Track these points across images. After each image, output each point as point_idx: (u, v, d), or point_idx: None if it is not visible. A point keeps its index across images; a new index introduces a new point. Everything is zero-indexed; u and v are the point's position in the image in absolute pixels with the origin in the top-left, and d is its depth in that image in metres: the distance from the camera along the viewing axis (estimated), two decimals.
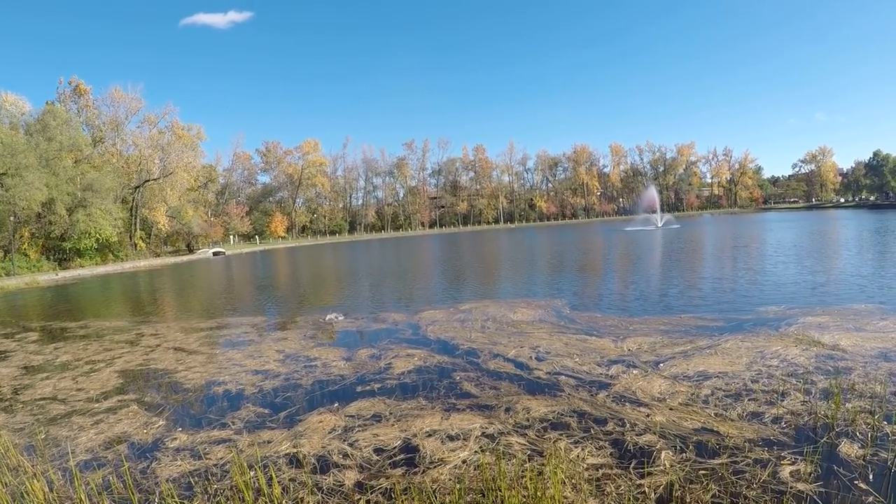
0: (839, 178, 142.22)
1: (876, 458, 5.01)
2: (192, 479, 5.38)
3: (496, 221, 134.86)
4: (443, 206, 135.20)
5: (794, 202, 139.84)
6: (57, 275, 35.35)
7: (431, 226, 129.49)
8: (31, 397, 8.61)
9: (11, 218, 37.60)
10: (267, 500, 4.80)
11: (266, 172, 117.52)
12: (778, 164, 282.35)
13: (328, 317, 14.58)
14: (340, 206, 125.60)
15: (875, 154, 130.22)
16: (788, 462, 5.01)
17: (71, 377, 9.71)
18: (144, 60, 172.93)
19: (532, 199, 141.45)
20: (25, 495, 5.06)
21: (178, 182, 60.65)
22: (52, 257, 41.29)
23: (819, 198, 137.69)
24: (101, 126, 58.19)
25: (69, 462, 5.85)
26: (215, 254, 59.40)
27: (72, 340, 13.34)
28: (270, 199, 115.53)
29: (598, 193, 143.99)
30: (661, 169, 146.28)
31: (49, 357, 11.49)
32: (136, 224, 55.58)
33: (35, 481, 5.20)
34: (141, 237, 55.67)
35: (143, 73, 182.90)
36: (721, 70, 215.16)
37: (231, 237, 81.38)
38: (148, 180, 57.49)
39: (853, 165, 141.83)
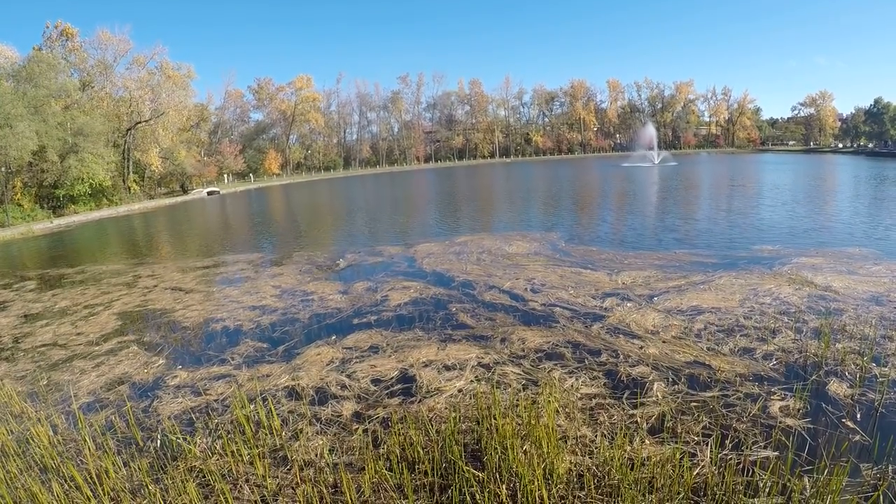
0: (838, 124, 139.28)
1: (864, 398, 5.08)
2: (193, 415, 5.46)
3: (492, 156, 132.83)
4: (438, 141, 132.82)
5: (793, 145, 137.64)
6: (52, 222, 34.90)
7: (426, 160, 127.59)
8: (32, 345, 8.58)
9: (3, 169, 36.82)
10: (267, 433, 4.90)
11: (259, 110, 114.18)
12: (777, 107, 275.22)
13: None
14: (335, 141, 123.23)
15: (876, 101, 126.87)
16: (778, 398, 5.10)
17: (70, 322, 9.69)
18: (133, 3, 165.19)
19: (528, 134, 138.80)
20: (31, 440, 5.08)
21: (170, 123, 58.96)
22: (45, 205, 40.62)
23: (817, 142, 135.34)
24: (90, 70, 56.12)
25: (72, 405, 5.88)
26: (210, 193, 58.49)
27: (69, 286, 13.23)
28: (264, 136, 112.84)
29: (595, 129, 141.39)
30: (659, 106, 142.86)
31: (48, 304, 11.41)
32: (128, 167, 54.40)
33: (39, 426, 5.23)
34: (134, 180, 54.61)
35: (130, 16, 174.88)
36: (721, 7, 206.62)
37: (225, 176, 79.86)
38: (139, 122, 55.80)
39: (853, 111, 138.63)
